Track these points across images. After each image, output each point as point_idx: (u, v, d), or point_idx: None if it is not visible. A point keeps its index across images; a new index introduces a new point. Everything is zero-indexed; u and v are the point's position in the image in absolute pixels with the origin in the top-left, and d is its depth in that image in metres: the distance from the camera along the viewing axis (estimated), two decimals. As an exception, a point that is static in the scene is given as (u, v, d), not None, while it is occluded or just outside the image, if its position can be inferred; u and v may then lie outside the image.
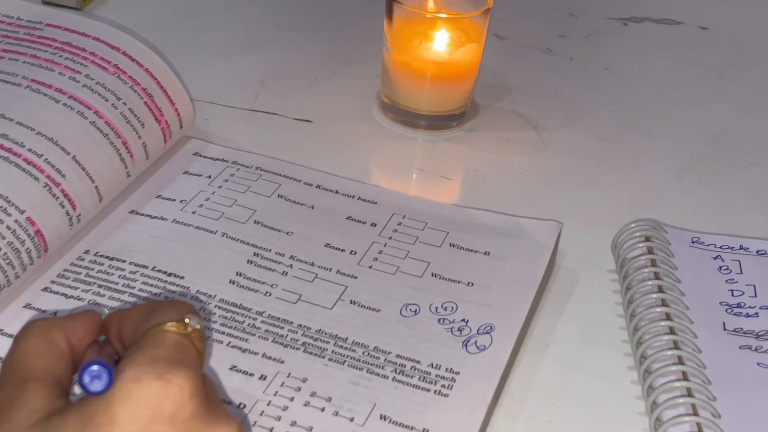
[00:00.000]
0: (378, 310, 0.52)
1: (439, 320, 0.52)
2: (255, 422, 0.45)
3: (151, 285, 0.52)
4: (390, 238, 0.57)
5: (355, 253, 0.56)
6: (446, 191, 0.65)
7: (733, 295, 0.55)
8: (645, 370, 0.49)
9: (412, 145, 0.68)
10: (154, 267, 0.53)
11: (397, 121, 0.70)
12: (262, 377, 0.47)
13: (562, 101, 0.75)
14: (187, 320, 0.37)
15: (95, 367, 0.33)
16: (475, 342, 0.50)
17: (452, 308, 0.52)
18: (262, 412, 0.45)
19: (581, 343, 0.53)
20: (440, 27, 0.67)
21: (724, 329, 0.53)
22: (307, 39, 0.80)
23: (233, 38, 0.79)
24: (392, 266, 0.55)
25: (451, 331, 0.51)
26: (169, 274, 0.53)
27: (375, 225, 0.58)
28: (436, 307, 0.53)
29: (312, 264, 0.55)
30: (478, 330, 0.51)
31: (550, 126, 0.72)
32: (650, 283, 0.54)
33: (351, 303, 0.52)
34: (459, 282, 0.54)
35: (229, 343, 0.49)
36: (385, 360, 0.49)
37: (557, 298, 0.56)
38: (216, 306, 0.51)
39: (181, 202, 0.58)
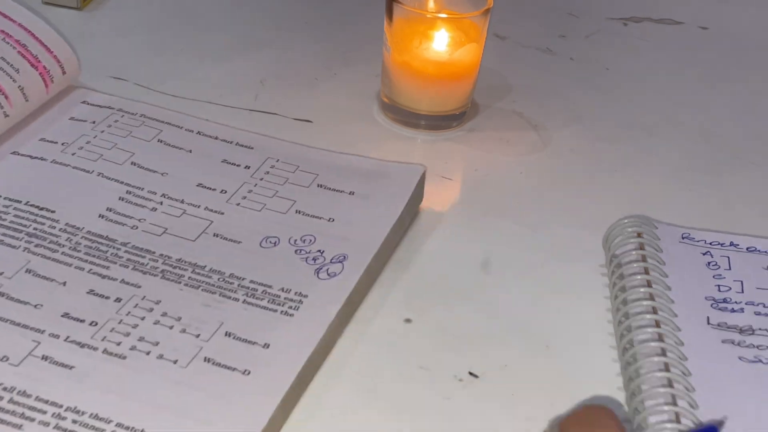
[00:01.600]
0: (239, 242, 0.55)
1: (296, 251, 0.54)
2: (104, 337, 0.48)
3: (22, 218, 0.55)
4: (261, 179, 0.60)
5: (225, 192, 0.59)
6: (446, 191, 0.65)
7: (719, 290, 0.55)
8: (627, 362, 0.50)
9: (412, 145, 0.68)
10: (27, 202, 0.56)
11: (397, 121, 0.70)
12: (118, 300, 0.50)
13: (562, 101, 0.75)
14: None
15: None
16: (327, 269, 0.53)
17: (310, 240, 0.55)
18: (113, 329, 0.48)
19: (570, 338, 0.53)
20: (440, 27, 0.67)
21: (708, 323, 0.53)
22: (307, 39, 0.80)
23: (233, 38, 0.79)
24: (259, 204, 0.58)
25: (306, 260, 0.54)
26: (41, 209, 0.56)
27: (249, 167, 0.61)
28: (295, 240, 0.55)
29: (182, 201, 0.58)
30: (332, 259, 0.54)
31: (550, 126, 0.72)
32: (638, 277, 0.54)
33: (214, 236, 0.55)
34: (321, 218, 0.57)
35: (90, 270, 0.52)
36: (239, 285, 0.52)
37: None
38: (82, 237, 0.54)
39: (62, 144, 0.61)
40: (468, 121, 0.71)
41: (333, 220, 0.57)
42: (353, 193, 0.59)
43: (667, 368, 0.49)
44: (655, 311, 0.52)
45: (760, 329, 0.53)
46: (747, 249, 0.59)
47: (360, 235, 0.56)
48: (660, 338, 0.50)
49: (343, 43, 0.80)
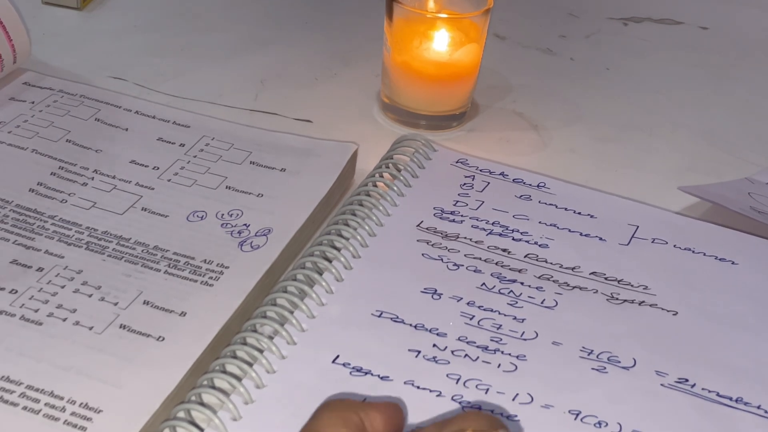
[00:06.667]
0: (166, 216, 0.56)
1: (222, 225, 0.56)
2: (23, 305, 0.49)
3: None
4: (195, 156, 0.62)
5: (158, 168, 0.60)
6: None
7: (455, 205, 0.58)
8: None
9: (412, 145, 0.68)
10: None
11: (397, 121, 0.70)
12: (40, 269, 0.51)
13: (562, 101, 0.75)
14: None
15: None
16: (251, 242, 0.54)
17: (237, 215, 0.56)
18: (32, 297, 0.50)
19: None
20: (440, 27, 0.67)
21: (418, 226, 0.56)
22: (307, 39, 0.80)
23: (233, 38, 0.79)
24: (190, 180, 0.59)
25: (231, 233, 0.55)
26: None
27: (183, 145, 0.62)
28: (222, 214, 0.57)
29: (113, 177, 0.59)
30: (256, 233, 0.55)
31: (550, 126, 0.72)
32: (373, 179, 0.59)
33: (142, 210, 0.57)
34: (250, 193, 0.58)
35: (15, 241, 0.53)
36: (162, 257, 0.53)
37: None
38: (11, 210, 0.55)
39: (0, 123, 0.63)
40: (468, 121, 0.71)
41: (262, 195, 0.58)
42: (284, 170, 0.60)
43: (331, 244, 0.53)
44: (362, 204, 0.56)
45: (465, 237, 0.56)
46: (513, 180, 0.62)
47: (287, 209, 0.57)
48: (345, 223, 0.55)
49: (343, 43, 0.80)
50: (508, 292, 0.52)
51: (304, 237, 0.57)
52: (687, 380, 0.48)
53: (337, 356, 0.47)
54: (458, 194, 0.60)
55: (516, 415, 0.45)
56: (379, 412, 0.39)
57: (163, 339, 0.48)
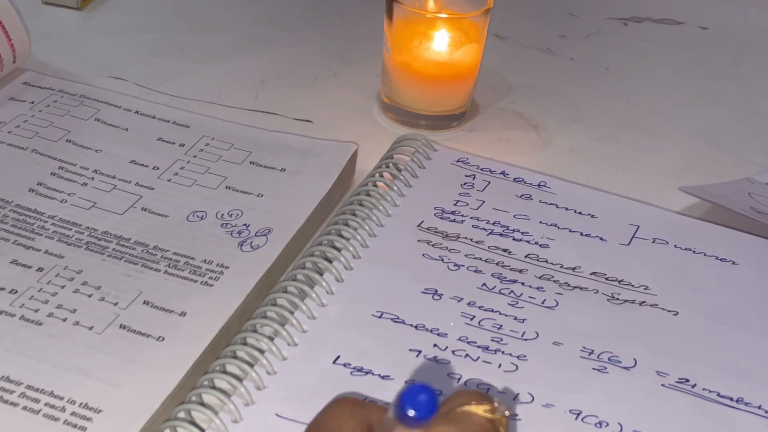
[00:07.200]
0: (166, 216, 0.56)
1: (222, 225, 0.56)
2: (23, 305, 0.49)
3: None
4: (195, 156, 0.62)
5: (158, 168, 0.60)
6: (446, 191, 0.65)
7: (455, 204, 0.59)
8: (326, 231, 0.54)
9: (412, 145, 0.68)
10: None
11: (397, 121, 0.70)
12: (40, 269, 0.51)
13: (562, 101, 0.75)
14: (496, 404, 0.37)
15: (422, 397, 0.33)
16: (251, 242, 0.54)
17: (237, 215, 0.56)
18: (32, 297, 0.50)
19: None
20: (440, 27, 0.67)
21: (418, 226, 0.56)
22: (307, 39, 0.80)
23: (233, 38, 0.79)
24: (190, 180, 0.60)
25: (231, 233, 0.55)
26: None
27: (183, 145, 0.62)
28: (222, 214, 0.56)
29: (113, 177, 0.59)
30: (256, 233, 0.55)
31: (550, 126, 0.72)
32: (373, 178, 0.59)
33: (142, 210, 0.57)
34: (250, 193, 0.58)
35: (15, 241, 0.53)
36: (162, 257, 0.53)
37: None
38: (11, 210, 0.55)
39: (0, 123, 0.63)
40: (468, 121, 0.71)
41: (262, 195, 0.58)
42: (284, 170, 0.60)
43: (331, 244, 0.53)
44: (362, 204, 0.56)
45: (465, 237, 0.56)
46: (514, 179, 0.61)
47: (287, 209, 0.57)
48: (345, 223, 0.54)
49: (343, 43, 0.80)
50: (509, 293, 0.52)
51: (304, 237, 0.57)
52: (687, 380, 0.48)
53: (338, 357, 0.47)
54: (459, 194, 0.60)
55: (517, 415, 0.45)
56: (382, 409, 0.40)
57: (163, 339, 0.48)
